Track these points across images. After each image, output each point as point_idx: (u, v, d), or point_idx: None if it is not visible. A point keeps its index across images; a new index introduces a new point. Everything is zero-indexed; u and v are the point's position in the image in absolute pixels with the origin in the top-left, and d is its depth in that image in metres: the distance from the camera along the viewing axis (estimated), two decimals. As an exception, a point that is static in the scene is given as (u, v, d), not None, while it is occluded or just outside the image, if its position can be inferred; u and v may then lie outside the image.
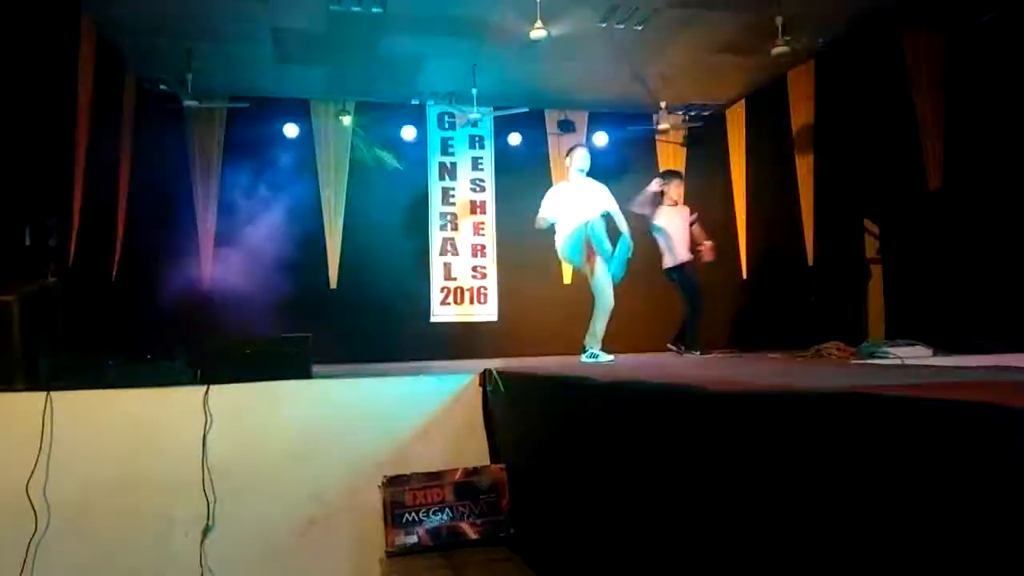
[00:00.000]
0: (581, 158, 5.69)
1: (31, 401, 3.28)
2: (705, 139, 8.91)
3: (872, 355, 4.39)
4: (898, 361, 4.07)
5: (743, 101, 8.42)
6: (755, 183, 8.36)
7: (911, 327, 5.46)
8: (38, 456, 3.23)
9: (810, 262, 7.30)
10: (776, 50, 6.23)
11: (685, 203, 7.04)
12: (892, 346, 4.47)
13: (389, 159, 8.04)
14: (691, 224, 6.79)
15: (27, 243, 5.33)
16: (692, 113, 8.73)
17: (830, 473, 1.22)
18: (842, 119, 6.85)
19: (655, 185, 6.67)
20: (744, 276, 8.45)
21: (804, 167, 7.37)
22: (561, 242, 5.67)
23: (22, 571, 3.17)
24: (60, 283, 3.79)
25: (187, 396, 3.39)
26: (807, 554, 1.29)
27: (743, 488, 1.49)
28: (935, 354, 4.42)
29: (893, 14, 6.13)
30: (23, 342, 3.41)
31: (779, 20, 6.05)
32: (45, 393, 3.28)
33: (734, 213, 8.51)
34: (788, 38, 6.19)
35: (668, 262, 6.72)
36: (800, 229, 7.36)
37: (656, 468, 1.84)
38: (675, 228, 6.69)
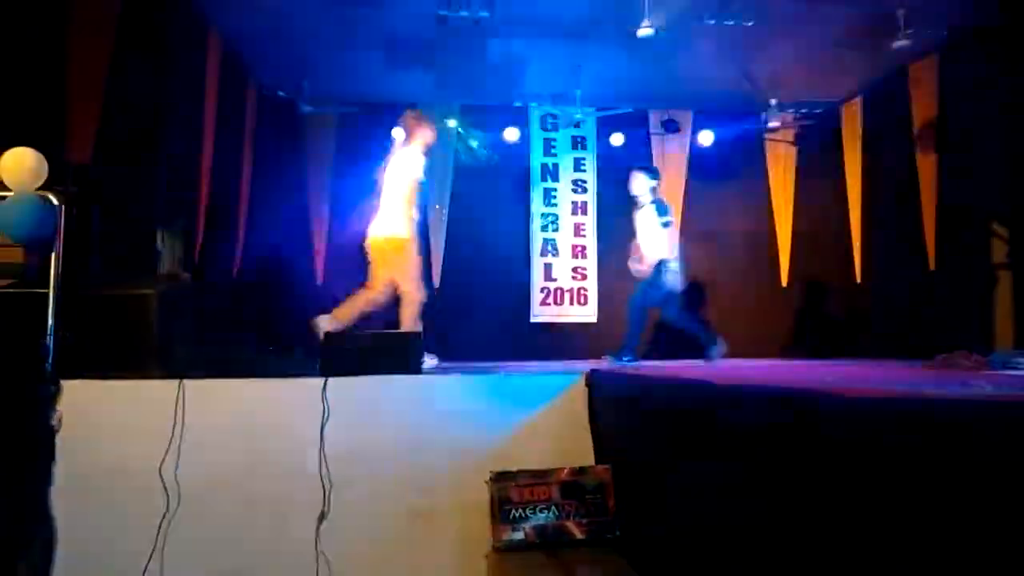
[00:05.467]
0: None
1: (165, 388, 3.50)
2: (818, 137, 8.57)
3: (1005, 365, 4.11)
4: (1035, 373, 3.79)
5: (859, 97, 8.06)
6: (872, 183, 7.98)
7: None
8: (170, 439, 3.44)
9: (931, 266, 6.91)
10: (898, 44, 5.95)
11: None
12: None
13: (481, 151, 8.13)
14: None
15: (159, 243, 5.72)
16: (804, 110, 8.42)
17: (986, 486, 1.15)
18: (969, 115, 6.45)
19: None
20: (858, 280, 8.09)
21: (926, 166, 6.98)
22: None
23: (154, 546, 3.38)
24: (192, 279, 4.04)
25: (307, 388, 3.54)
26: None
27: (878, 500, 1.43)
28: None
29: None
30: (159, 333, 3.66)
31: (901, 12, 5.76)
32: (178, 381, 3.50)
33: (848, 215, 8.16)
34: (911, 30, 5.89)
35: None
36: (921, 232, 6.97)
37: (781, 477, 1.79)
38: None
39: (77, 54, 4.78)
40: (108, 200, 4.94)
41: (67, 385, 3.47)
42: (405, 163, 5.17)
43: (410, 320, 4.85)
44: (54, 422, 0.83)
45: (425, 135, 5.26)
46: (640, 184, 6.09)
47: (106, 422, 3.46)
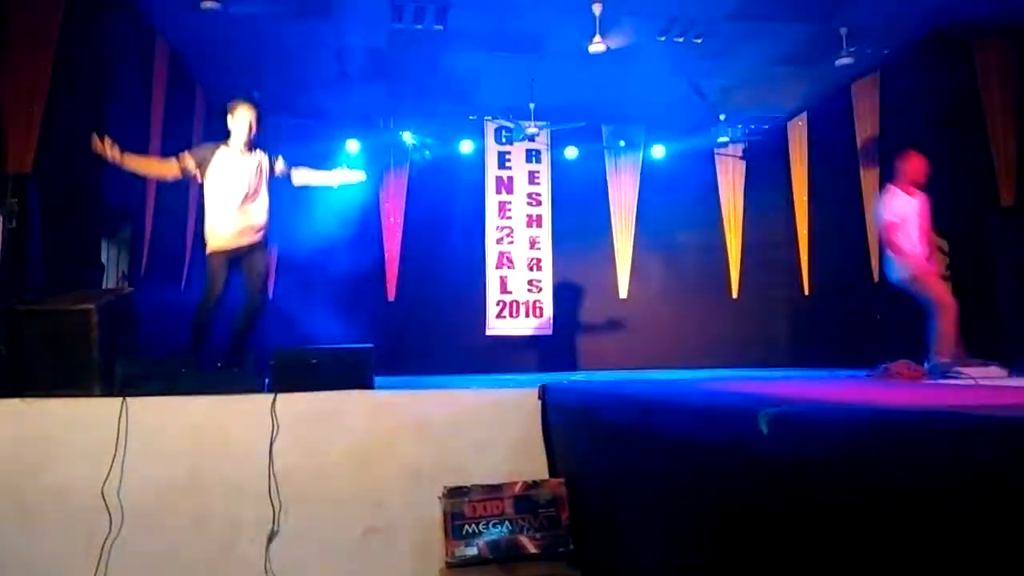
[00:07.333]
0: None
1: (108, 406, 3.40)
2: (765, 152, 8.79)
3: (944, 375, 4.25)
4: (971, 382, 3.92)
5: (805, 113, 8.29)
6: (817, 197, 8.20)
7: (981, 347, 5.27)
8: (113, 459, 3.34)
9: (875, 278, 7.11)
10: (840, 61, 6.13)
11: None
12: (965, 366, 4.31)
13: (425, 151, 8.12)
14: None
15: (103, 255, 5.57)
16: (752, 126, 8.63)
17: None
18: (909, 132, 6.67)
19: None
20: (806, 292, 8.29)
21: (869, 181, 7.20)
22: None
23: (96, 568, 3.28)
24: (136, 293, 3.93)
25: (255, 404, 3.47)
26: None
27: (823, 513, 1.46)
28: (1010, 375, 4.25)
29: (965, 25, 5.97)
30: (101, 349, 3.55)
31: (843, 31, 5.95)
32: (121, 399, 3.40)
33: (795, 227, 8.36)
34: (853, 49, 6.08)
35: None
36: (865, 244, 7.18)
37: (729, 491, 1.81)
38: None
39: (17, 59, 4.64)
40: (50, 211, 4.80)
41: (5, 403, 3.35)
42: (895, 203, 5.07)
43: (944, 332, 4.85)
44: None
45: (917, 173, 5.09)
46: (241, 120, 4.19)
47: (47, 441, 3.35)
